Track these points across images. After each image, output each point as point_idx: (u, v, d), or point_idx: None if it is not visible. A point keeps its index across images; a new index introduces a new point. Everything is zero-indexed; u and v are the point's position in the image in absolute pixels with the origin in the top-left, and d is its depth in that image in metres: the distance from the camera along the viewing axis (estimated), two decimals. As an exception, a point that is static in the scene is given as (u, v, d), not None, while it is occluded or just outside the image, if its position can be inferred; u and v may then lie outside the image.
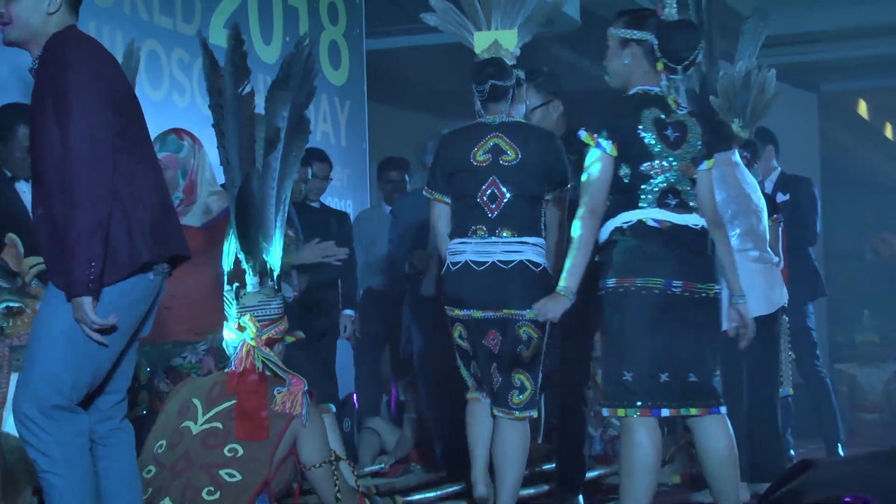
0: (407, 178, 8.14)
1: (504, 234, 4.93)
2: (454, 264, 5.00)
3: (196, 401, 4.42)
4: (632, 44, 4.51)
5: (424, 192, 5.21)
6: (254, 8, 8.10)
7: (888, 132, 16.90)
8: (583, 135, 4.44)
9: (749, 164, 6.50)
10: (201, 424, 4.35)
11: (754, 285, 5.98)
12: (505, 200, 4.95)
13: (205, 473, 4.23)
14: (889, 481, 3.15)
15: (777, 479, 3.69)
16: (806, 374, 7.70)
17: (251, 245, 4.56)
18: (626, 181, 4.43)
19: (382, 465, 6.88)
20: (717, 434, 4.42)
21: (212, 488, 4.20)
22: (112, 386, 3.76)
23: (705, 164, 4.54)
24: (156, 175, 3.79)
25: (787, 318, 6.41)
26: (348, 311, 7.17)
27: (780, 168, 7.51)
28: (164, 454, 4.32)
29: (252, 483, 4.22)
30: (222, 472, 4.23)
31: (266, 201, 4.61)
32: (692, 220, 4.43)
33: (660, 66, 4.48)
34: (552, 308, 4.46)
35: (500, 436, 4.96)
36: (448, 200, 5.09)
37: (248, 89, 4.64)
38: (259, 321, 4.47)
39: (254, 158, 4.61)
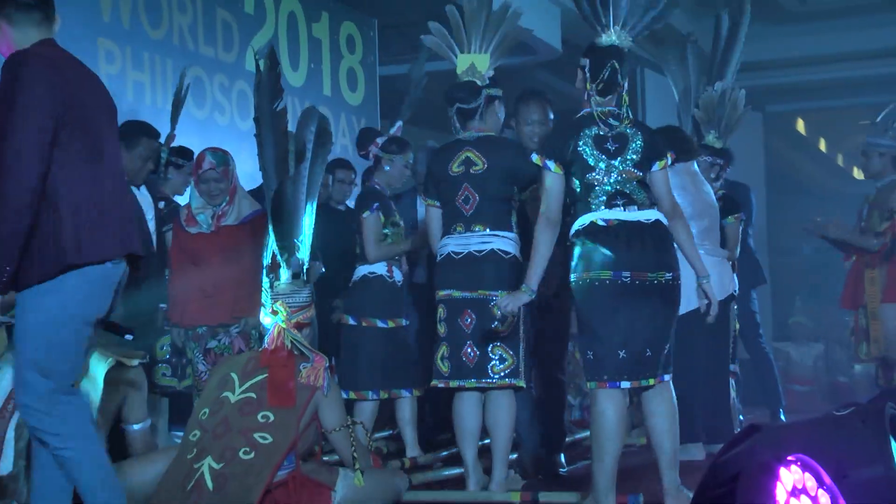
0: None
1: (477, 229, 4.95)
2: (440, 256, 5.03)
3: (233, 374, 4.42)
4: (580, 70, 4.50)
5: (420, 198, 5.23)
6: (283, 39, 8.10)
7: (822, 146, 16.91)
8: (535, 157, 4.46)
9: (723, 169, 6.48)
10: (238, 395, 4.34)
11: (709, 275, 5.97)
12: (476, 202, 4.97)
13: (241, 436, 4.22)
14: (822, 443, 3.14)
15: (729, 441, 3.67)
16: (751, 350, 7.67)
17: (285, 243, 4.55)
18: (578, 191, 4.41)
19: (392, 431, 6.84)
20: (662, 397, 4.43)
21: (247, 448, 4.19)
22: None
23: (657, 166, 4.46)
24: (102, 181, 3.57)
25: (735, 305, 6.38)
26: None
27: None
28: (207, 420, 4.31)
29: (282, 444, 4.21)
30: (256, 435, 4.22)
31: (297, 205, 4.60)
32: (643, 215, 4.38)
33: (589, 86, 4.46)
34: (511, 301, 4.48)
35: (490, 406, 4.96)
36: (438, 204, 5.09)
37: (281, 106, 4.60)
38: (289, 307, 4.47)
39: (288, 167, 4.59)
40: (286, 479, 4.21)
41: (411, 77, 6.50)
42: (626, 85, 4.49)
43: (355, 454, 4.38)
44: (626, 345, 4.31)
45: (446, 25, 5.21)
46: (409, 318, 6.33)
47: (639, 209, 4.38)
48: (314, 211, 4.66)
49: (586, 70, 4.44)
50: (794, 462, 3.00)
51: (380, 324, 5.67)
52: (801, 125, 15.57)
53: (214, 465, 4.16)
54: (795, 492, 2.95)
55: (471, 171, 4.99)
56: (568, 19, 9.08)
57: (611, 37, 4.46)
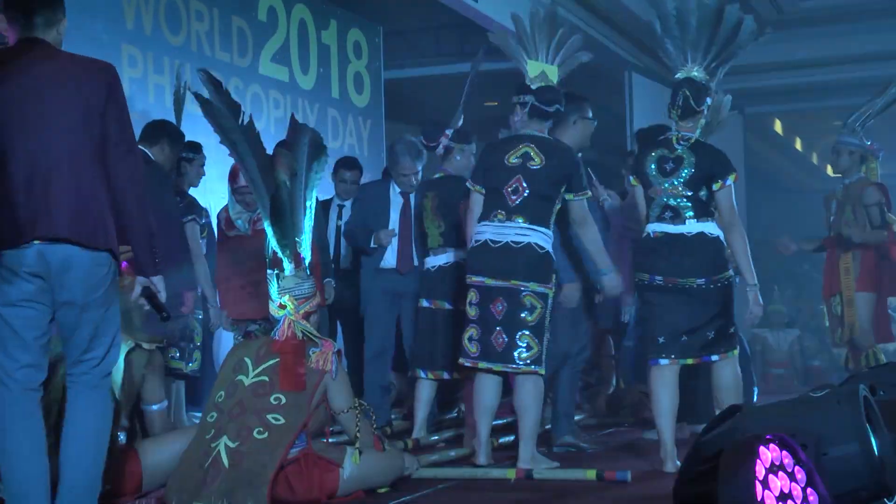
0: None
1: (518, 221, 4.88)
2: (477, 241, 4.95)
3: (247, 359, 4.38)
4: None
5: (468, 184, 5.13)
6: (294, 45, 8.07)
7: (798, 145, 16.89)
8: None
9: None
10: (252, 378, 4.32)
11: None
12: (524, 195, 4.90)
13: (255, 417, 4.20)
14: (798, 422, 3.14)
15: (711, 421, 3.67)
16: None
17: (285, 240, 4.45)
18: (646, 203, 4.90)
19: (395, 416, 6.79)
20: (717, 371, 4.87)
21: (261, 429, 4.17)
22: (69, 353, 3.49)
23: (715, 186, 4.79)
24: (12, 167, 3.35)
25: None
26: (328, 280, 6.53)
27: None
28: (222, 402, 4.29)
29: (293, 425, 4.20)
30: (269, 416, 4.20)
31: (296, 207, 4.48)
32: (686, 228, 4.77)
33: (672, 114, 4.89)
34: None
35: (518, 391, 4.91)
36: (483, 191, 5.01)
37: (247, 120, 4.41)
38: (296, 299, 4.42)
39: (275, 175, 4.40)
40: (298, 456, 4.19)
41: (469, 77, 6.40)
42: (705, 111, 4.86)
43: (358, 434, 4.36)
44: (664, 331, 4.79)
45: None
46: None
47: (685, 223, 4.76)
48: (313, 210, 4.53)
49: (669, 101, 4.86)
50: (773, 441, 2.99)
51: (447, 305, 5.72)
52: (778, 126, 15.56)
53: (230, 444, 4.14)
54: (774, 468, 2.94)
55: (528, 164, 4.94)
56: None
57: (688, 71, 4.84)
